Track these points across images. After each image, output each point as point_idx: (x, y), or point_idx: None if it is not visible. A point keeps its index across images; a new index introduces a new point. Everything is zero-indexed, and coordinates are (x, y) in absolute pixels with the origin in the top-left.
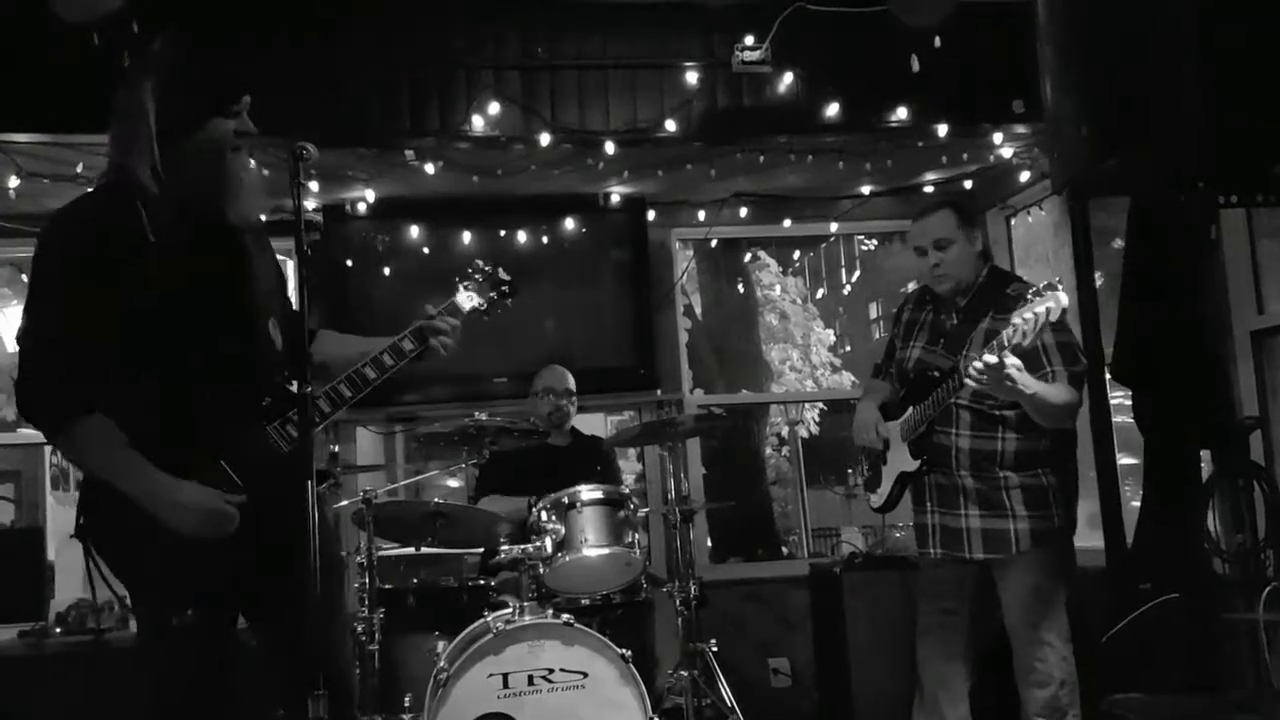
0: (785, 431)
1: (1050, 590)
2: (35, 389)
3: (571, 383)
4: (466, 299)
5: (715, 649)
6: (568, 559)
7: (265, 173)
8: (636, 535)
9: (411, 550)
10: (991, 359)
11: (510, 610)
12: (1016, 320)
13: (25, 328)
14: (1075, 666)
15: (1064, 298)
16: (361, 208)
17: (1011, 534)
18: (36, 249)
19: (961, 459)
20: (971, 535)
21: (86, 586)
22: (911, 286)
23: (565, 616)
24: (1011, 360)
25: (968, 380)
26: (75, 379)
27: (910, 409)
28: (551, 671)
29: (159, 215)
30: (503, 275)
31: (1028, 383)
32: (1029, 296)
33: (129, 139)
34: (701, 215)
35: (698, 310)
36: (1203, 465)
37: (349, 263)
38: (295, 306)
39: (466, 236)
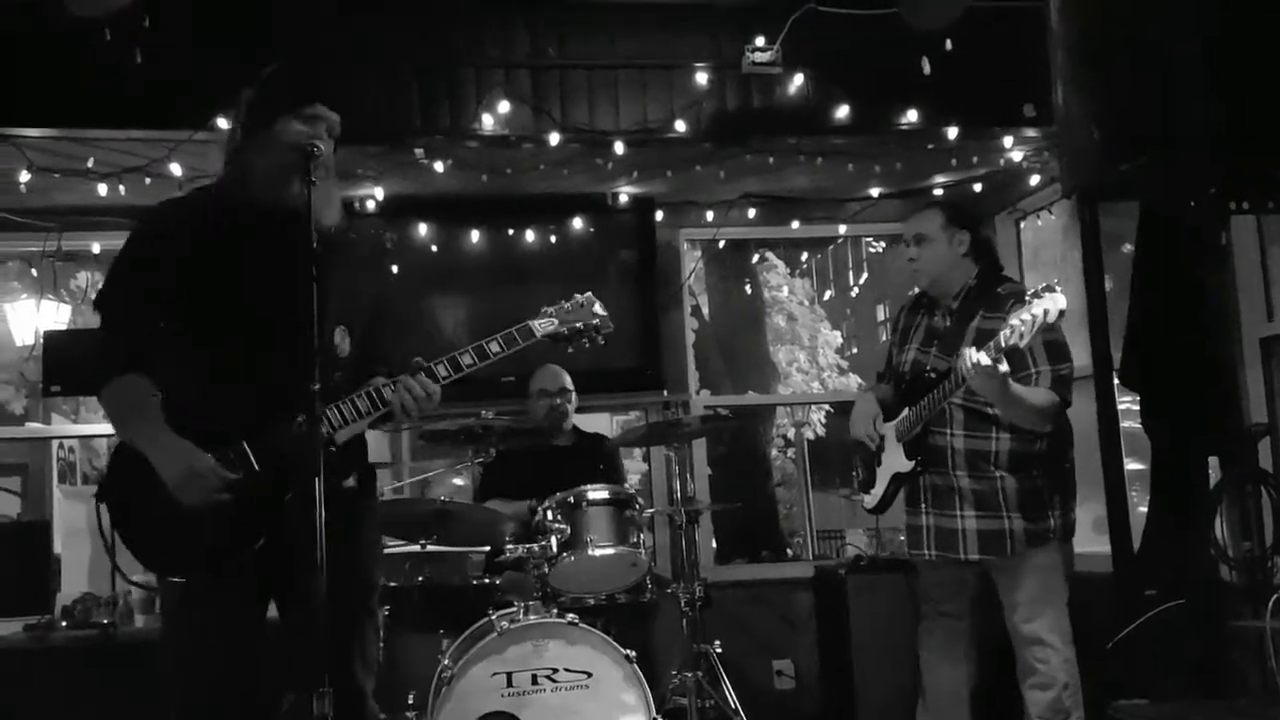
0: (791, 433)
1: (1051, 591)
2: (91, 347)
3: (567, 381)
4: (544, 324)
5: (719, 650)
6: (573, 558)
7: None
8: (642, 536)
9: (416, 548)
10: (985, 359)
11: (515, 609)
12: (1014, 321)
13: (95, 296)
14: (1078, 669)
15: (1063, 300)
16: (370, 205)
17: (1007, 535)
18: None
19: (956, 459)
20: (967, 536)
21: (95, 562)
22: (917, 290)
23: (570, 616)
24: (1004, 366)
25: (958, 365)
26: (119, 343)
27: (906, 409)
28: (555, 671)
29: (231, 213)
30: (597, 310)
31: (1014, 385)
32: (1027, 298)
33: (225, 140)
34: (710, 216)
35: (705, 311)
36: (1211, 472)
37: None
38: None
39: (475, 235)
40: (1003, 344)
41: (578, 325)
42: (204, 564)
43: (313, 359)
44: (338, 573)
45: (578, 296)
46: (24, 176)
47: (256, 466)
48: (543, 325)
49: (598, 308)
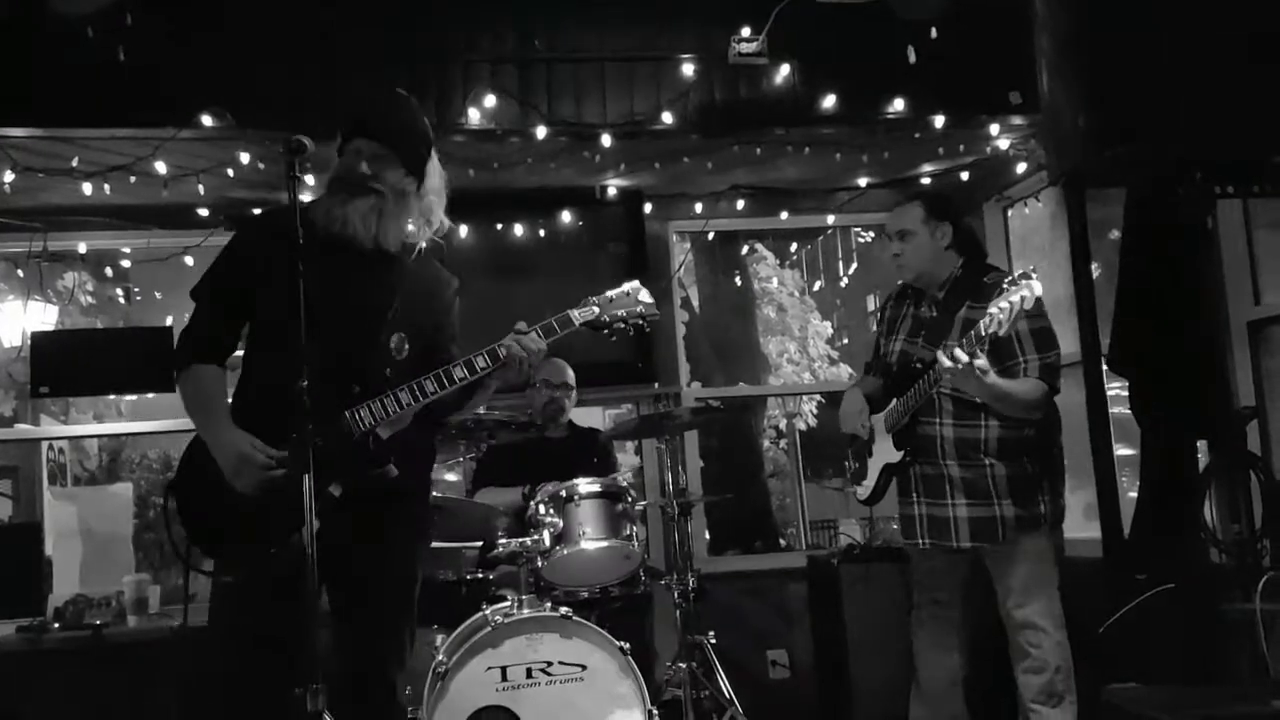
0: (783, 424)
1: (1042, 577)
2: (179, 338)
3: (570, 376)
4: (584, 313)
5: (714, 641)
6: (566, 552)
7: (420, 206)
8: (635, 528)
9: None
10: (963, 357)
11: (508, 603)
12: (993, 310)
13: (192, 289)
14: (1070, 652)
15: (1038, 286)
16: None
17: (998, 521)
18: None
19: (947, 448)
20: (959, 524)
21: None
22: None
23: (564, 609)
24: (980, 362)
25: (940, 364)
26: (198, 334)
27: (894, 400)
28: (550, 664)
29: (310, 228)
30: (643, 298)
31: (995, 381)
32: (1004, 285)
33: None
34: (699, 208)
35: (695, 303)
36: (1199, 455)
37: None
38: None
39: (463, 229)
40: (983, 333)
41: (620, 313)
42: (254, 551)
43: (301, 358)
44: (372, 567)
45: (625, 285)
46: (8, 176)
47: (309, 458)
48: (582, 314)
49: (644, 295)
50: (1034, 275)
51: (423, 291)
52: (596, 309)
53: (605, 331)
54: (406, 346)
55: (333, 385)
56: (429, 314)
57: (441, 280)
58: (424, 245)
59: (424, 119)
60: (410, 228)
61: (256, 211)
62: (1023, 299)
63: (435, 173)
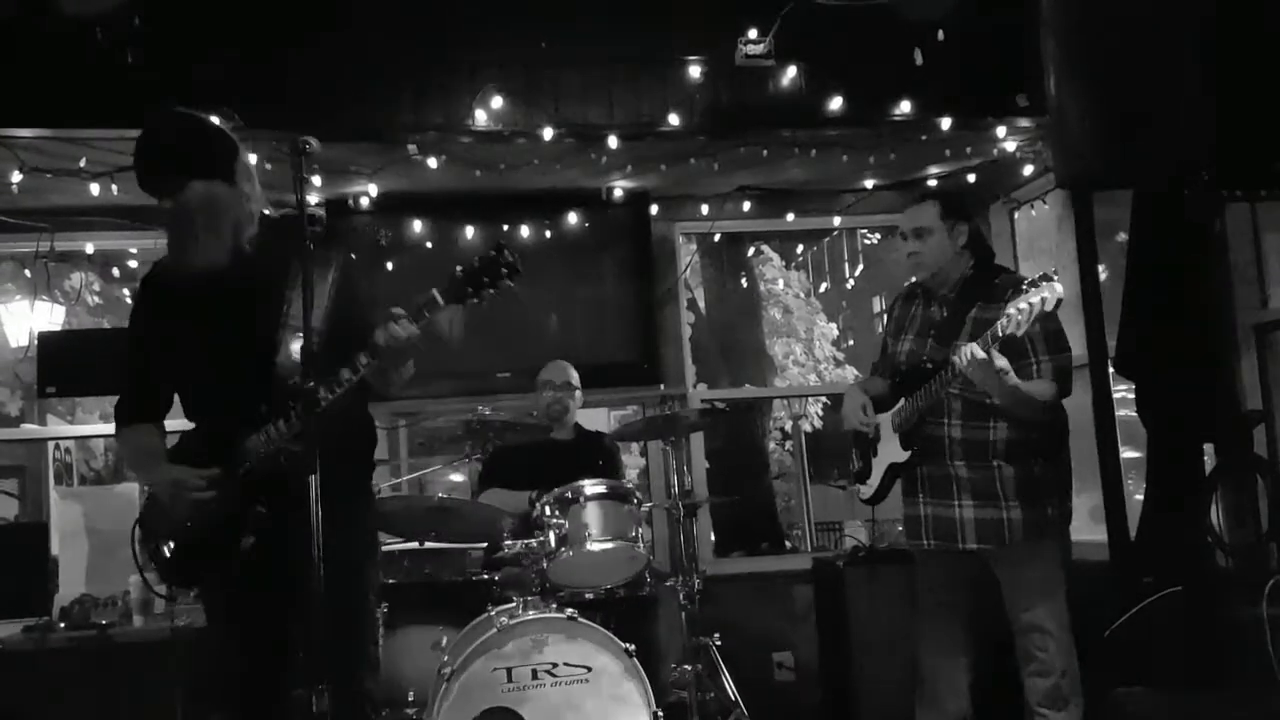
0: (789, 425)
1: (1049, 579)
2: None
3: (572, 376)
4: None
5: (719, 643)
6: (571, 553)
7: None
8: (640, 530)
9: (415, 545)
10: (980, 353)
11: (514, 605)
12: (1011, 310)
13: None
14: (1076, 655)
15: (1060, 288)
16: (364, 202)
17: (1005, 524)
18: None
19: (954, 449)
20: (965, 525)
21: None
22: (913, 280)
23: (569, 611)
24: (1000, 361)
25: (955, 359)
26: (126, 402)
27: (902, 400)
28: (555, 666)
29: (167, 279)
30: (507, 256)
31: (1013, 380)
32: (1025, 287)
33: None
34: (705, 209)
35: (701, 305)
36: (1206, 459)
37: (351, 257)
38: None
39: (469, 231)
40: (1000, 333)
41: (484, 279)
42: (203, 572)
43: (311, 358)
44: (327, 570)
45: (493, 250)
46: (16, 177)
47: (237, 475)
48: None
49: (507, 254)
50: (1055, 277)
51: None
52: (460, 275)
53: (475, 301)
54: (303, 344)
55: (239, 413)
56: (315, 307)
57: (317, 262)
58: (252, 235)
59: (205, 122)
60: (241, 229)
61: (131, 289)
62: (1043, 300)
63: (243, 160)
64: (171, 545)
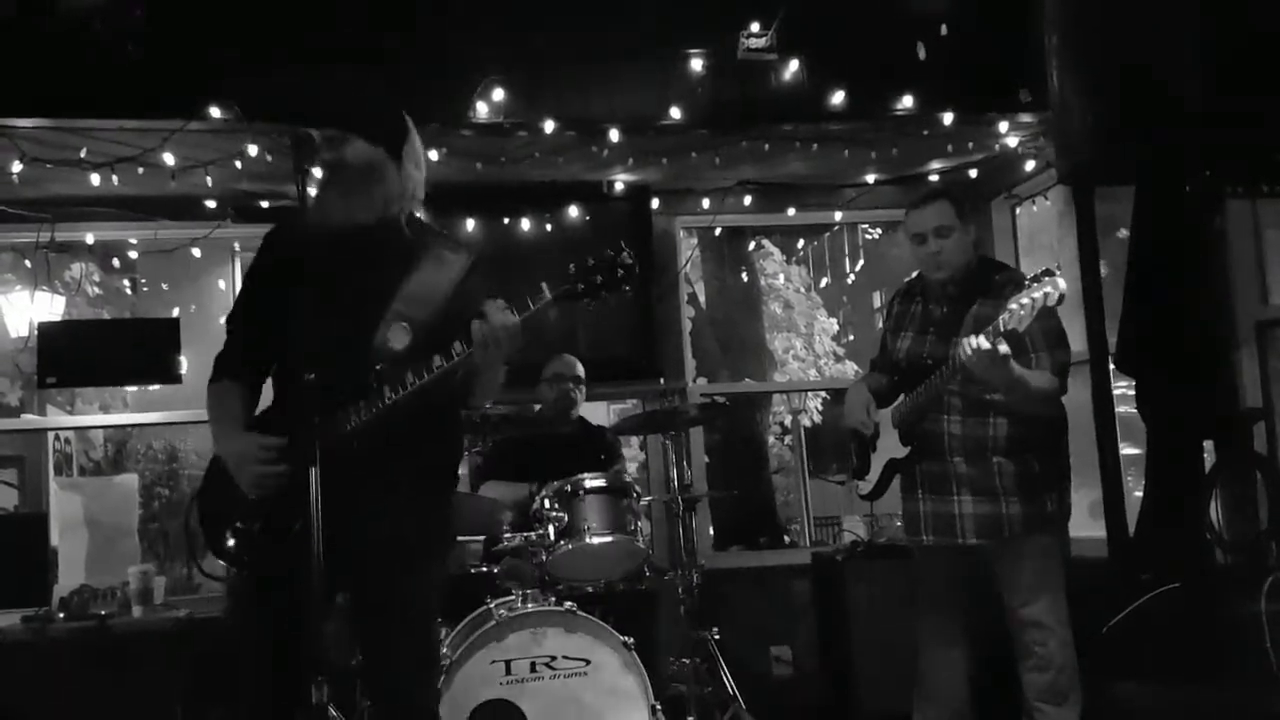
0: (788, 420)
1: (1048, 575)
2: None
3: (579, 370)
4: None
5: (717, 637)
6: (571, 546)
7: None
8: (639, 523)
9: None
10: (985, 344)
11: (513, 598)
12: (1013, 305)
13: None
14: (1075, 651)
15: (1063, 284)
16: None
17: (1004, 519)
18: None
19: (953, 444)
20: (964, 520)
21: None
22: (913, 275)
23: (568, 604)
24: (1004, 348)
25: (959, 354)
26: (224, 356)
27: (902, 396)
28: (554, 659)
29: (309, 230)
30: (625, 259)
31: (1018, 370)
32: (1027, 282)
33: None
34: (706, 203)
35: (701, 299)
36: (1206, 455)
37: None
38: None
39: (469, 223)
40: (1003, 327)
41: (596, 280)
42: (261, 552)
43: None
44: (381, 573)
45: (609, 250)
46: (16, 167)
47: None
48: (555, 286)
49: (625, 256)
50: (1058, 273)
51: (425, 277)
52: (573, 273)
53: (585, 301)
54: (408, 338)
55: (327, 385)
56: (429, 302)
57: (445, 261)
58: (410, 215)
59: (387, 96)
60: (391, 203)
61: (266, 230)
62: (1046, 296)
63: (414, 145)
64: (236, 523)
